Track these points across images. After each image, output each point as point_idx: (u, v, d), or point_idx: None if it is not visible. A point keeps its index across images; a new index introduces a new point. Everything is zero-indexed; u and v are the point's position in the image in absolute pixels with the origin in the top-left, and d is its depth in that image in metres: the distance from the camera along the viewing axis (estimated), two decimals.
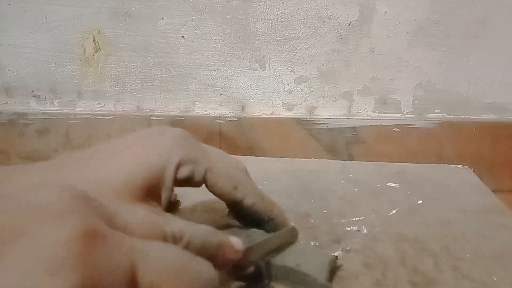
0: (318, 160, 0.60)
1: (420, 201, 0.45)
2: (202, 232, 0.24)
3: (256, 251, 0.29)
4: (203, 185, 0.32)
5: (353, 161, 0.60)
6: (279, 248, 0.31)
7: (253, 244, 0.28)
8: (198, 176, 0.30)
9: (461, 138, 0.59)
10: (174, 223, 0.24)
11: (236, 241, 0.26)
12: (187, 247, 0.23)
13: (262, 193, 0.34)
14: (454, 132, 0.59)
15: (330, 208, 0.44)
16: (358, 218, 0.42)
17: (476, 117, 0.60)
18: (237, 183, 0.32)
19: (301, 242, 0.35)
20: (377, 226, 0.40)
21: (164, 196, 0.28)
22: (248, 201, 0.32)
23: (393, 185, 0.50)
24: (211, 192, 0.32)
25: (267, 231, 0.33)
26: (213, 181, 0.31)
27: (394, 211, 0.43)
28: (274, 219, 0.34)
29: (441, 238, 0.38)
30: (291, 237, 0.33)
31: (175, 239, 0.23)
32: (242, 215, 0.34)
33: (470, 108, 0.59)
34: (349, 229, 0.40)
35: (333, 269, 0.32)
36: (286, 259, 0.31)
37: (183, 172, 0.29)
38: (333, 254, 0.33)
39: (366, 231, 0.39)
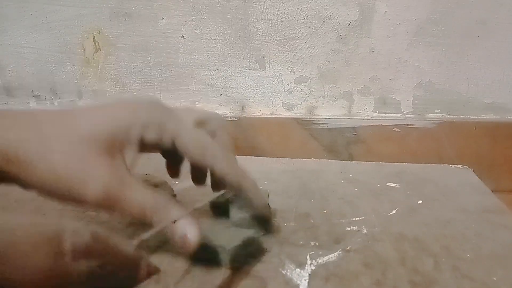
0: (318, 160, 0.60)
1: (420, 201, 0.45)
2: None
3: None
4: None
5: (353, 161, 0.60)
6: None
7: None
8: (166, 140, 0.31)
9: (461, 138, 0.59)
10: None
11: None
12: None
13: (233, 159, 0.34)
14: (454, 132, 0.59)
15: (330, 208, 0.44)
16: (358, 218, 0.42)
17: (476, 117, 0.59)
18: (205, 149, 0.32)
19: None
20: (377, 226, 0.40)
21: (129, 152, 0.29)
22: (218, 169, 0.32)
23: (393, 185, 0.50)
24: (184, 156, 0.32)
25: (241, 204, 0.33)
26: (182, 147, 0.31)
27: (394, 211, 0.43)
28: (246, 193, 0.33)
29: (441, 238, 0.38)
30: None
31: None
32: (222, 210, 0.34)
33: (470, 108, 0.59)
34: (349, 229, 0.40)
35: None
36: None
37: (151, 134, 0.30)
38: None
39: (366, 231, 0.39)
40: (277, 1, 0.58)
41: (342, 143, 0.61)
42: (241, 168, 0.34)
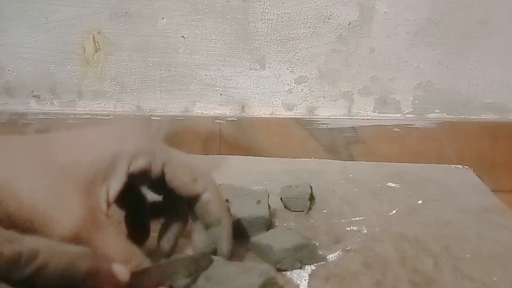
0: (318, 160, 0.60)
1: (420, 201, 0.45)
2: (69, 255, 0.22)
3: (153, 274, 0.26)
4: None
5: (353, 161, 0.60)
6: (188, 272, 0.28)
7: (145, 268, 0.26)
8: (155, 168, 0.29)
9: (461, 138, 0.59)
10: (29, 241, 0.21)
11: (119, 269, 0.23)
12: (39, 271, 0.20)
13: (220, 193, 0.33)
14: (454, 132, 0.59)
15: (330, 208, 0.44)
16: (358, 218, 0.42)
17: (476, 117, 0.60)
18: (196, 176, 0.31)
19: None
20: (377, 226, 0.40)
21: (114, 187, 0.27)
22: (205, 197, 0.31)
23: (393, 185, 0.50)
24: (170, 186, 0.30)
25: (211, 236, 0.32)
26: (171, 173, 0.30)
27: (394, 211, 0.43)
28: (220, 228, 0.32)
29: (441, 238, 0.38)
30: (203, 262, 0.29)
31: (16, 261, 0.20)
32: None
33: (470, 108, 0.59)
34: (349, 229, 0.40)
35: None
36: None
37: (139, 164, 0.28)
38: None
39: (366, 231, 0.39)
40: (277, 1, 0.58)
41: (342, 143, 0.61)
42: (226, 204, 0.33)
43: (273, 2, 0.58)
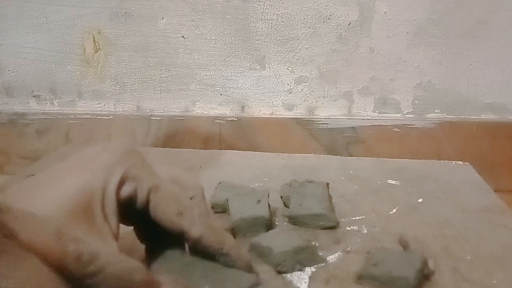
0: (318, 155, 0.59)
1: (421, 200, 0.45)
2: (125, 264, 0.22)
3: None
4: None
5: (353, 157, 0.59)
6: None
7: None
8: (141, 196, 0.27)
9: (460, 138, 0.59)
10: (91, 244, 0.22)
11: (166, 282, 0.23)
12: (96, 273, 0.21)
13: (211, 222, 0.29)
14: (454, 132, 0.59)
15: None
16: (358, 218, 0.41)
17: (476, 117, 0.59)
18: (183, 209, 0.28)
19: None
20: (377, 225, 0.40)
21: (111, 223, 0.26)
22: (194, 232, 0.28)
23: (393, 182, 0.50)
24: (152, 217, 0.28)
25: (222, 264, 0.29)
26: (156, 202, 0.27)
27: (394, 210, 0.43)
28: (227, 254, 0.29)
29: (441, 238, 0.38)
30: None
31: (79, 260, 0.21)
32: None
33: (470, 108, 0.59)
34: (349, 229, 0.40)
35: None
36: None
37: (125, 191, 0.27)
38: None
39: (366, 231, 0.39)
40: (277, 1, 0.58)
41: (342, 143, 0.61)
42: (221, 229, 0.30)
43: (273, 2, 0.58)
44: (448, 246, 0.37)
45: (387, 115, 0.61)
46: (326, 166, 0.55)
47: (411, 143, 0.60)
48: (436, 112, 0.60)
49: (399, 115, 0.61)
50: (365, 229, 0.40)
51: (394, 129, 0.60)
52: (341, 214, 0.42)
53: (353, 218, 0.41)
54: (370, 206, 0.44)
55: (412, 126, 0.60)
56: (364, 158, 0.59)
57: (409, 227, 0.40)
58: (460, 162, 0.56)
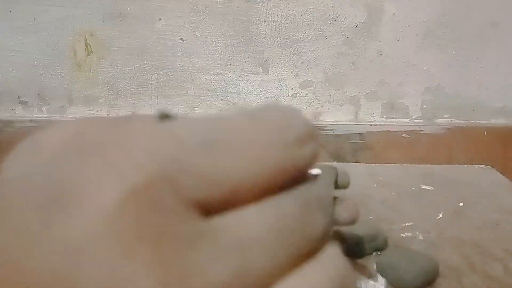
0: (341, 162, 0.57)
1: (461, 204, 0.44)
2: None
3: None
4: None
5: (377, 164, 0.57)
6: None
7: None
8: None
9: (471, 143, 0.58)
10: None
11: None
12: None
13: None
14: (464, 138, 0.58)
15: (375, 214, 0.42)
16: (408, 224, 0.40)
17: (487, 121, 0.58)
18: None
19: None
20: (430, 231, 0.39)
21: None
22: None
23: (427, 187, 0.49)
24: None
25: None
26: None
27: (440, 215, 0.42)
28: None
29: (499, 241, 0.37)
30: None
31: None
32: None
33: (480, 112, 0.58)
34: (403, 235, 0.38)
35: None
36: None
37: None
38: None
39: (422, 237, 0.38)
40: (281, 2, 0.56)
41: (348, 150, 0.59)
42: None
43: (277, 3, 0.56)
44: (509, 248, 0.35)
45: (395, 120, 0.60)
46: (353, 173, 0.53)
47: (420, 149, 0.58)
48: (445, 117, 0.59)
49: (407, 120, 0.59)
50: (420, 235, 0.38)
51: (403, 135, 0.58)
52: (390, 221, 0.40)
53: (404, 225, 0.40)
54: (415, 212, 0.43)
55: (421, 132, 0.58)
56: (387, 164, 0.57)
57: (462, 231, 0.39)
58: (483, 166, 0.55)
